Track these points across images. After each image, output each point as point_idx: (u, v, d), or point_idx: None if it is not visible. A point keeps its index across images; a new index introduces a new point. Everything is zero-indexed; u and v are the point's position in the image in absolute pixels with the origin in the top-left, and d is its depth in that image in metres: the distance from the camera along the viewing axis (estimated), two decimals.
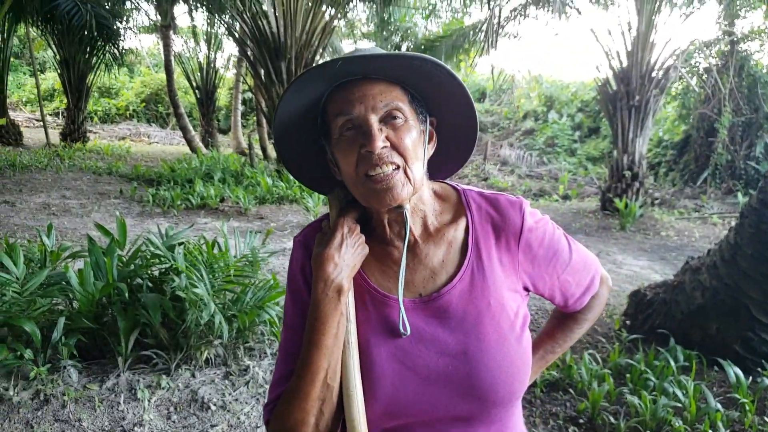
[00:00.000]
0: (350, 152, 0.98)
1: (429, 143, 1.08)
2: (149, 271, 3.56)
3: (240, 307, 3.38)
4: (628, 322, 4.30)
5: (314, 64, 0.89)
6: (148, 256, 3.53)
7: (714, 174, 12.04)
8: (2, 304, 2.95)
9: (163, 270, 3.54)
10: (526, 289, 1.10)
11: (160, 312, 3.14)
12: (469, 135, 1.14)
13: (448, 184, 1.17)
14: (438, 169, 1.18)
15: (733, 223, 3.83)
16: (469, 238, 1.07)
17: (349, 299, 1.02)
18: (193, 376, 3.20)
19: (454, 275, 1.05)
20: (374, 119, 0.97)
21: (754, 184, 11.26)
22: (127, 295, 3.12)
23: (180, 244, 3.69)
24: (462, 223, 1.09)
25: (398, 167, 0.97)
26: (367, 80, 1.00)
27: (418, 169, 1.00)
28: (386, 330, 1.04)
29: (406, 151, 0.98)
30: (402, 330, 1.01)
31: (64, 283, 3.21)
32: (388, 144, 0.97)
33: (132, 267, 3.45)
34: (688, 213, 10.27)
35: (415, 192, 1.00)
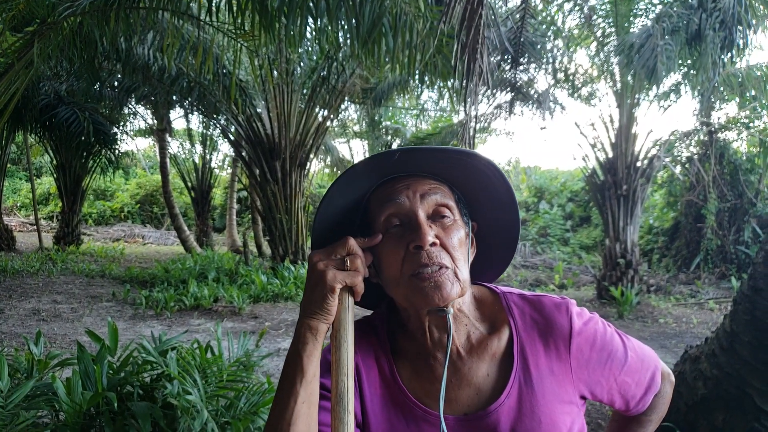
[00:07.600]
0: (396, 250, 0.92)
1: (471, 247, 1.02)
2: (140, 378, 3.48)
3: (234, 413, 3.28)
4: None
5: (351, 165, 0.99)
6: (140, 362, 3.46)
7: (706, 259, 12.13)
8: None
9: (155, 376, 3.46)
10: (583, 397, 1.00)
11: (151, 421, 3.04)
12: (510, 240, 1.09)
13: (485, 286, 1.09)
14: (476, 276, 1.10)
15: (729, 309, 3.83)
16: (513, 348, 0.98)
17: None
18: None
19: (501, 391, 0.95)
20: (423, 214, 0.92)
21: (746, 268, 11.32)
22: (116, 404, 3.03)
23: (173, 348, 3.63)
24: (505, 332, 1.00)
25: (447, 267, 0.90)
26: (415, 176, 0.97)
27: (466, 271, 0.95)
28: None
29: (454, 250, 0.92)
30: None
31: (50, 393, 3.12)
32: (438, 242, 0.91)
33: (122, 374, 3.37)
34: (684, 299, 10.23)
35: (462, 293, 0.93)
